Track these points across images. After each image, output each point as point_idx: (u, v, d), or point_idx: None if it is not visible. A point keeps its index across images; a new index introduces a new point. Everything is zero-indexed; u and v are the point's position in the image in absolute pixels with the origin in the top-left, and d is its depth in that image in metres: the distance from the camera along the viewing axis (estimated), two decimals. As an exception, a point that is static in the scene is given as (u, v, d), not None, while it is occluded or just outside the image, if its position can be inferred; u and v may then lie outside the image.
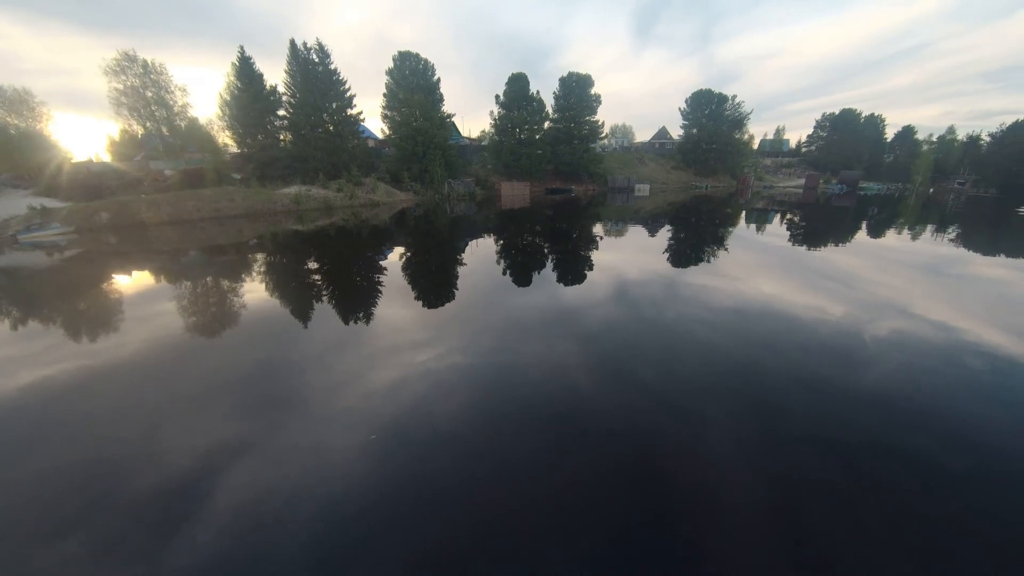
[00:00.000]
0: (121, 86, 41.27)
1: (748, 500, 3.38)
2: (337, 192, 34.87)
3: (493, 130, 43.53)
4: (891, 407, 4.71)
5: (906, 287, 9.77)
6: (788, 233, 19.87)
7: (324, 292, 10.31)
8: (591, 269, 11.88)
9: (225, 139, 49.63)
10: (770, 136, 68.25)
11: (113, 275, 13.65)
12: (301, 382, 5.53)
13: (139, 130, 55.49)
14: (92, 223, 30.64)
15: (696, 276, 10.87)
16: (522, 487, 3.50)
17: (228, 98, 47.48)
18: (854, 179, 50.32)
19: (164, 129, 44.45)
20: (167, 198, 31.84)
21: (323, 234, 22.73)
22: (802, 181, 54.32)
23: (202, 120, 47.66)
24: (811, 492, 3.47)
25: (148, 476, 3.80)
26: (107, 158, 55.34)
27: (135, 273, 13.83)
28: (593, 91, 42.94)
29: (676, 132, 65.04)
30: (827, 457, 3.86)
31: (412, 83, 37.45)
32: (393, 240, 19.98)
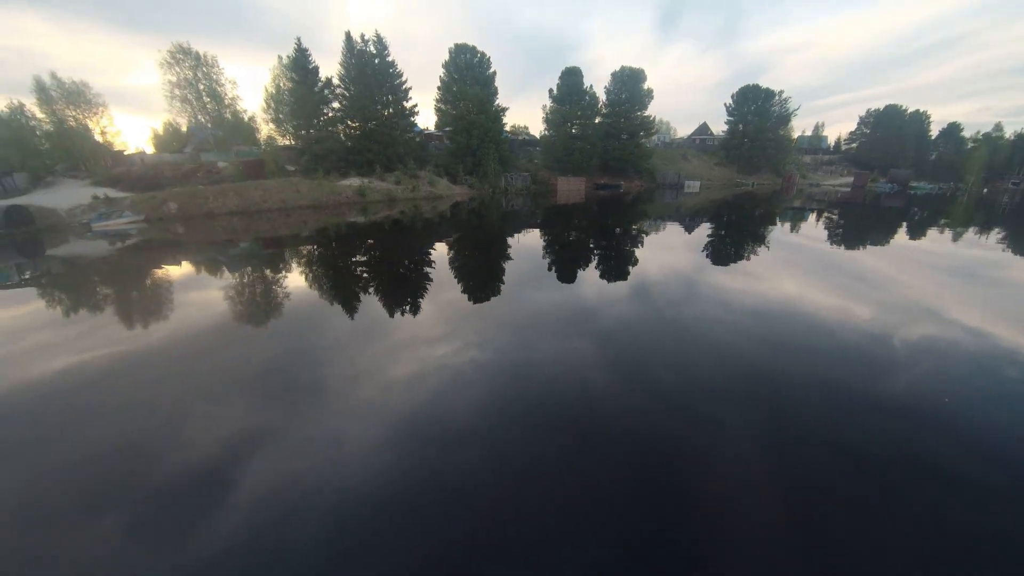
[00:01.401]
0: (174, 78, 41.49)
1: (766, 510, 3.23)
2: (396, 184, 34.80)
3: (545, 124, 43.34)
4: (919, 416, 4.42)
5: (941, 290, 9.11)
6: (839, 233, 18.71)
7: (368, 285, 10.29)
8: (632, 266, 11.56)
9: (269, 132, 49.92)
10: (808, 133, 66.75)
11: (166, 265, 13.80)
12: (333, 372, 5.55)
13: (184, 123, 56.09)
14: (160, 212, 30.83)
15: (730, 276, 10.31)
16: (537, 489, 3.42)
17: (273, 91, 47.74)
18: (904, 178, 49.31)
19: (205, 120, 44.62)
20: (234, 188, 31.90)
21: (378, 226, 22.43)
22: (848, 179, 53.41)
23: (246, 114, 47.90)
24: (831, 503, 3.29)
25: (176, 461, 3.89)
26: (149, 151, 55.71)
27: (187, 263, 13.91)
28: (645, 86, 42.53)
29: (717, 128, 64.38)
30: (849, 467, 3.66)
31: (468, 76, 37.22)
32: (444, 233, 19.63)
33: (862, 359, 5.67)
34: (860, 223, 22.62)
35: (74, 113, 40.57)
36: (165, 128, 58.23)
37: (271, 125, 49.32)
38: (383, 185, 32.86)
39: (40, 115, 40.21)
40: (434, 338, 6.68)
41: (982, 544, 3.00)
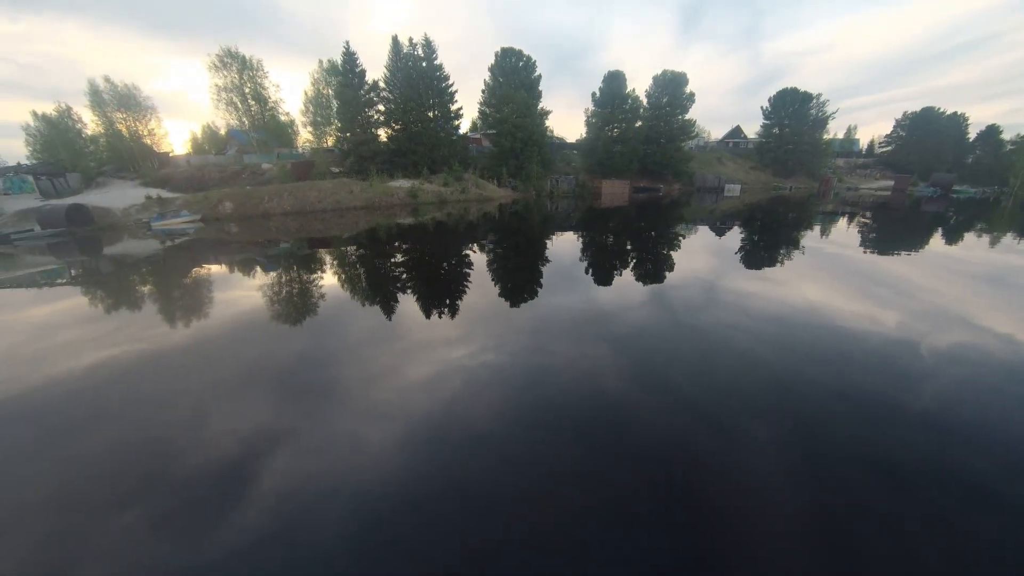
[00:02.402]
0: (221, 81, 42.13)
1: (790, 524, 3.10)
2: (444, 187, 34.96)
3: (585, 128, 43.34)
4: (948, 428, 4.22)
5: (973, 297, 8.61)
6: (874, 238, 17.52)
7: (397, 287, 10.21)
8: (667, 271, 11.33)
9: (307, 135, 50.54)
10: (839, 136, 65.84)
11: (206, 264, 14.07)
12: (354, 373, 5.57)
13: (223, 127, 56.96)
14: (216, 212, 31.21)
15: (760, 283, 9.83)
16: (554, 497, 3.35)
17: (313, 95, 48.33)
18: (947, 182, 48.41)
19: (249, 122, 45.21)
20: (288, 188, 32.22)
21: (423, 228, 22.35)
22: (887, 183, 52.65)
23: (287, 117, 48.52)
24: (857, 518, 3.14)
25: (201, 456, 3.96)
26: (181, 152, 56.48)
27: (226, 262, 14.12)
28: (687, 89, 42.36)
29: (750, 130, 63.88)
30: (876, 480, 3.49)
31: (514, 80, 37.36)
32: (485, 235, 19.41)
33: (891, 368, 5.47)
34: (898, 227, 21.90)
35: (124, 116, 41.33)
36: (204, 131, 59.35)
37: (309, 128, 50.05)
38: (433, 187, 33.00)
39: (92, 118, 41.02)
40: (457, 340, 6.63)
41: (1012, 559, 2.86)
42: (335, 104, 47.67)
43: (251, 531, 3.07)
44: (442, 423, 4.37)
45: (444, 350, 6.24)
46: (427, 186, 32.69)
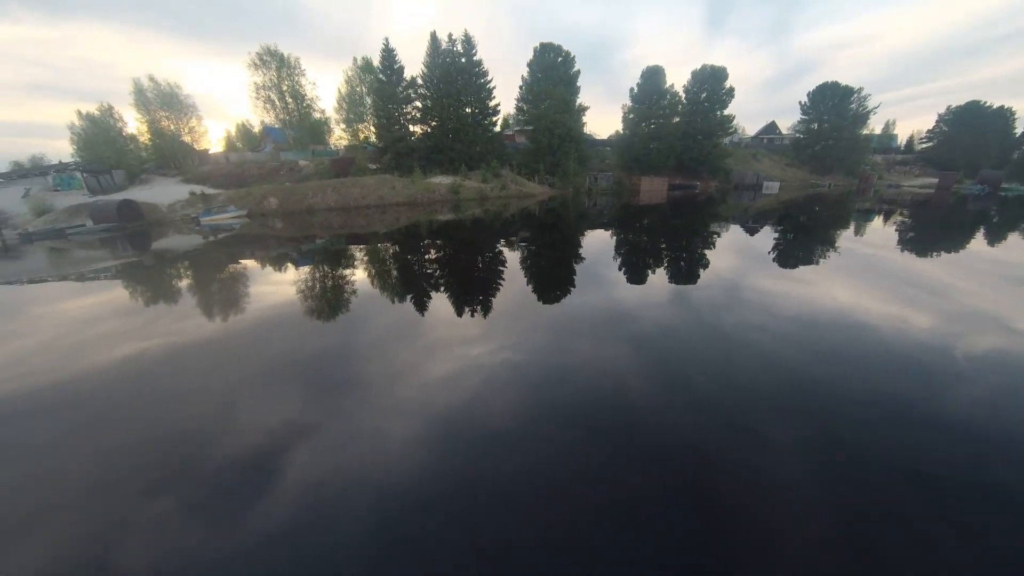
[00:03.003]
0: (260, 80, 42.64)
1: (816, 533, 3.00)
2: (483, 183, 34.81)
3: (622, 123, 42.83)
4: (983, 437, 4.01)
5: (1015, 302, 8.10)
6: (915, 238, 16.17)
7: (425, 284, 10.09)
8: (702, 268, 10.93)
9: (340, 132, 50.92)
10: (877, 131, 63.71)
11: (243, 260, 14.19)
12: (377, 369, 5.56)
13: (258, 124, 57.77)
14: (262, 208, 31.51)
15: (793, 283, 9.35)
16: (573, 497, 3.30)
17: (347, 92, 48.63)
18: (996, 179, 46.51)
19: (287, 120, 45.68)
20: (332, 184, 32.39)
21: (459, 224, 22.13)
22: (929, 180, 50.94)
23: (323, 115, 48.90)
24: (887, 529, 3.02)
25: (228, 445, 4.03)
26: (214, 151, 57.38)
27: (262, 258, 14.34)
28: (727, 84, 41.49)
29: (784, 126, 62.50)
30: (907, 490, 3.35)
31: (552, 75, 37.00)
32: (520, 231, 19.09)
33: (923, 373, 5.21)
34: (938, 226, 20.48)
35: (166, 114, 42.09)
36: (238, 129, 60.30)
37: (342, 125, 50.45)
38: (474, 184, 32.86)
39: (136, 116, 41.86)
40: (481, 337, 6.57)
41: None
42: (368, 101, 48.08)
43: (277, 521, 3.12)
44: (462, 420, 4.34)
45: (467, 348, 6.19)
46: (468, 182, 32.54)
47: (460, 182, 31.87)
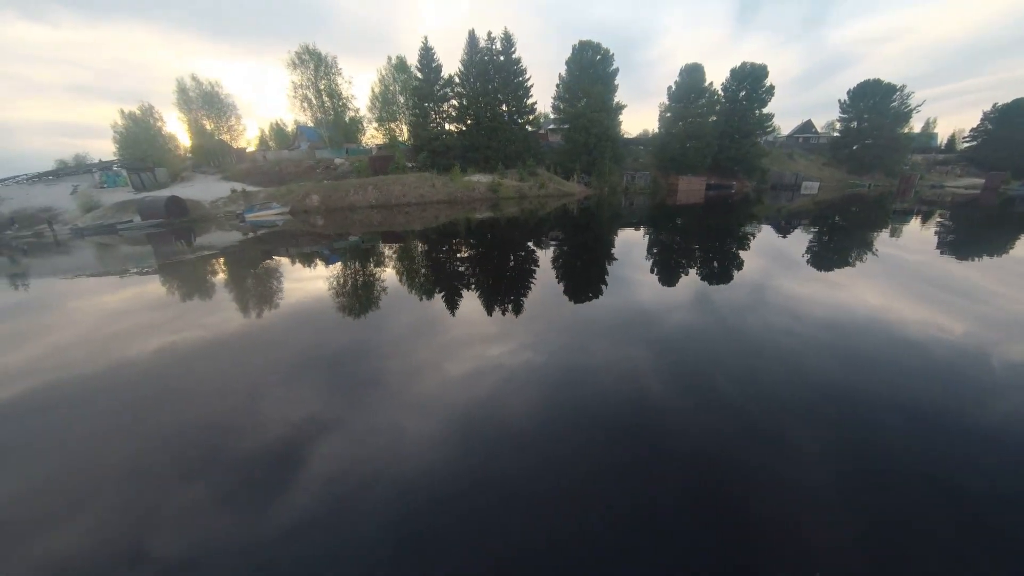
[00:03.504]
0: (298, 79, 43.17)
1: (843, 545, 2.88)
2: (520, 182, 34.64)
3: (659, 122, 42.29)
4: (1019, 449, 3.80)
5: None
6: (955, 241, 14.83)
7: (460, 282, 9.95)
8: (736, 270, 10.49)
9: (373, 131, 51.30)
10: (916, 129, 61.43)
11: (276, 256, 14.33)
12: (396, 366, 5.60)
13: (292, 123, 58.60)
14: (304, 204, 31.80)
15: (824, 287, 8.85)
16: (591, 501, 3.24)
17: (380, 91, 48.95)
18: (1047, 180, 44.82)
19: (323, 118, 46.16)
20: (373, 182, 32.55)
21: (494, 223, 21.79)
22: (974, 181, 49.16)
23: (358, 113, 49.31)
24: (918, 541, 2.90)
25: (254, 437, 4.12)
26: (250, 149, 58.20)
27: (294, 255, 14.57)
28: (767, 82, 40.64)
29: (817, 124, 61.04)
30: (938, 503, 3.20)
31: (591, 74, 36.67)
32: (550, 230, 18.70)
33: (957, 381, 4.98)
34: (980, 229, 18.87)
35: (207, 112, 42.89)
36: (271, 128, 61.25)
37: (374, 124, 50.84)
38: (513, 183, 32.71)
39: (179, 115, 42.74)
40: (504, 337, 6.55)
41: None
42: (400, 100, 48.37)
43: (301, 511, 3.19)
44: (481, 419, 4.34)
45: (490, 347, 6.16)
46: (507, 181, 32.40)
47: (499, 180, 31.72)
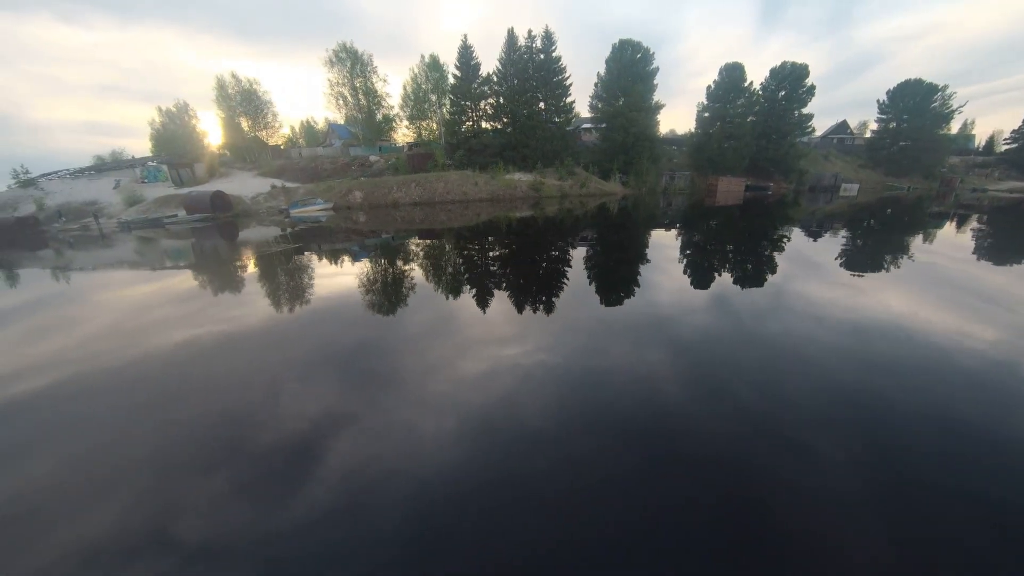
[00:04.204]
0: (334, 77, 43.45)
1: (869, 558, 2.72)
2: (561, 181, 34.43)
3: (696, 121, 41.84)
4: None
5: None
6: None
7: (486, 281, 9.87)
8: (772, 272, 10.19)
9: (403, 129, 51.48)
10: (953, 130, 59.81)
11: (307, 252, 14.55)
12: (413, 364, 5.60)
13: (322, 120, 59.08)
14: (347, 201, 31.92)
15: (859, 293, 8.40)
16: (607, 505, 3.16)
17: (412, 89, 49.09)
18: (1097, 185, 43.49)
19: (357, 116, 46.38)
20: (416, 179, 32.55)
21: (532, 222, 21.58)
22: (1018, 184, 47.85)
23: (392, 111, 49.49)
24: (949, 554, 2.74)
25: (274, 430, 4.18)
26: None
27: (324, 251, 14.83)
28: (808, 82, 39.97)
29: (854, 125, 59.93)
30: (969, 515, 3.04)
31: (631, 73, 36.36)
32: (584, 230, 18.41)
33: (985, 389, 4.80)
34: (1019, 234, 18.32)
35: (245, 109, 43.36)
36: (301, 126, 61.83)
37: (405, 122, 51.04)
38: (555, 182, 32.50)
39: (216, 111, 43.27)
40: (525, 336, 6.52)
41: None
42: (432, 98, 48.48)
43: (320, 504, 3.21)
44: (498, 418, 4.31)
45: (506, 346, 6.12)
46: (550, 181, 32.21)
47: (541, 179, 31.54)
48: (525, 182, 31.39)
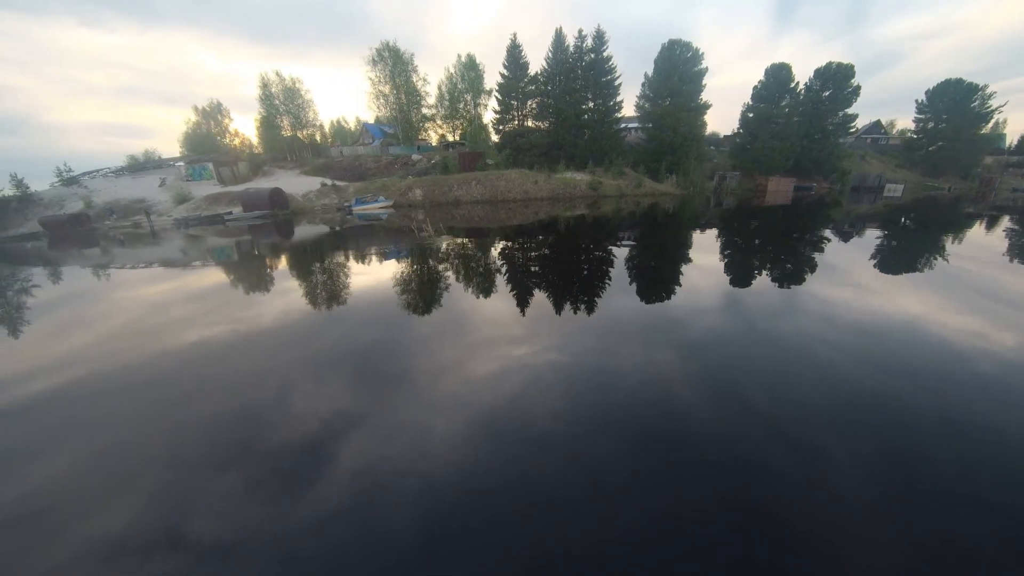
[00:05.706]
0: (375, 76, 43.42)
1: (881, 561, 2.71)
2: (615, 181, 34.39)
3: (739, 122, 41.81)
4: None
5: None
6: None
7: (537, 281, 9.89)
8: (811, 272, 10.20)
9: (437, 128, 51.47)
10: (985, 129, 59.31)
11: (346, 249, 14.81)
12: (425, 365, 5.65)
13: (353, 121, 59.05)
14: (407, 199, 31.82)
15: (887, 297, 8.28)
16: (617, 507, 3.18)
17: (449, 89, 49.05)
18: None
19: (397, 115, 46.32)
20: (477, 177, 32.44)
21: (583, 220, 21.69)
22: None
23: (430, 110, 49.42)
24: (962, 562, 2.72)
25: (287, 429, 4.24)
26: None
27: (362, 250, 15.02)
28: (853, 82, 39.95)
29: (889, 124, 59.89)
30: (984, 521, 3.04)
31: (681, 72, 36.32)
32: (627, 230, 18.38)
33: (1002, 392, 4.79)
34: None
35: (287, 108, 43.30)
36: (331, 126, 61.80)
37: (438, 121, 51.02)
38: (612, 181, 32.46)
39: (259, 110, 43.21)
40: (525, 337, 6.59)
41: None
42: (467, 98, 48.45)
43: (331, 503, 3.25)
44: (511, 419, 4.35)
45: (518, 346, 6.18)
46: (608, 181, 32.19)
47: (599, 179, 31.49)
48: (584, 181, 31.32)
